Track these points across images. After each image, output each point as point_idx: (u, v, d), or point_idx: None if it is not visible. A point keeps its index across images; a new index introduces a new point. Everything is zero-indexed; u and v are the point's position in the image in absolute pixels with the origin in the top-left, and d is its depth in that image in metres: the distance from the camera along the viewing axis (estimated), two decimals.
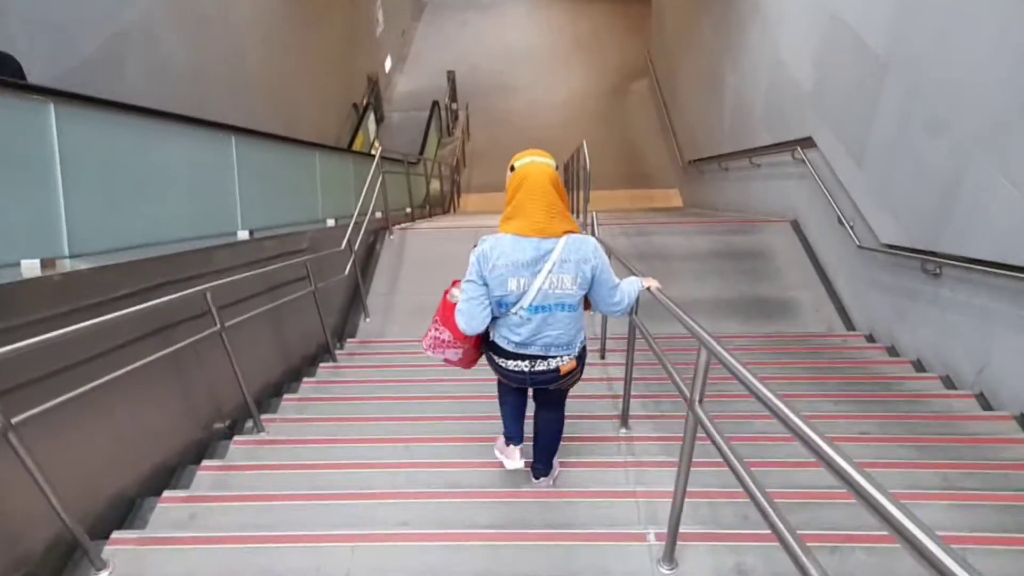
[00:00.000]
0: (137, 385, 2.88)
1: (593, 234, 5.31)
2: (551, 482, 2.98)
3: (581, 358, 2.56)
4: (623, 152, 14.85)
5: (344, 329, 5.95)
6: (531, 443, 2.97)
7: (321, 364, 4.85)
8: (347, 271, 5.52)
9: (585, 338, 2.57)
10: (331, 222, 5.95)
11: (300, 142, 5.77)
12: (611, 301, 2.46)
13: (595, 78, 18.40)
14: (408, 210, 8.88)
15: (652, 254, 6.54)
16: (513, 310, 2.38)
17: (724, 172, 9.35)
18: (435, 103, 15.33)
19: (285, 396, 4.22)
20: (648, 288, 2.65)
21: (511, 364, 2.50)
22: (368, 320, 6.02)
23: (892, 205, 4.84)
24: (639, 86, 17.64)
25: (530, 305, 2.35)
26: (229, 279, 3.46)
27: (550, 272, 2.31)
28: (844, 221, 5.54)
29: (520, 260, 2.30)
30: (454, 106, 16.97)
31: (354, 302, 6.20)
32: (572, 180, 8.22)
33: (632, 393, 3.46)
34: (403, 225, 7.75)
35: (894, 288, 4.96)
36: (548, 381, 2.54)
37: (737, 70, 8.77)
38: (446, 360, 2.68)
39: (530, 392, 2.83)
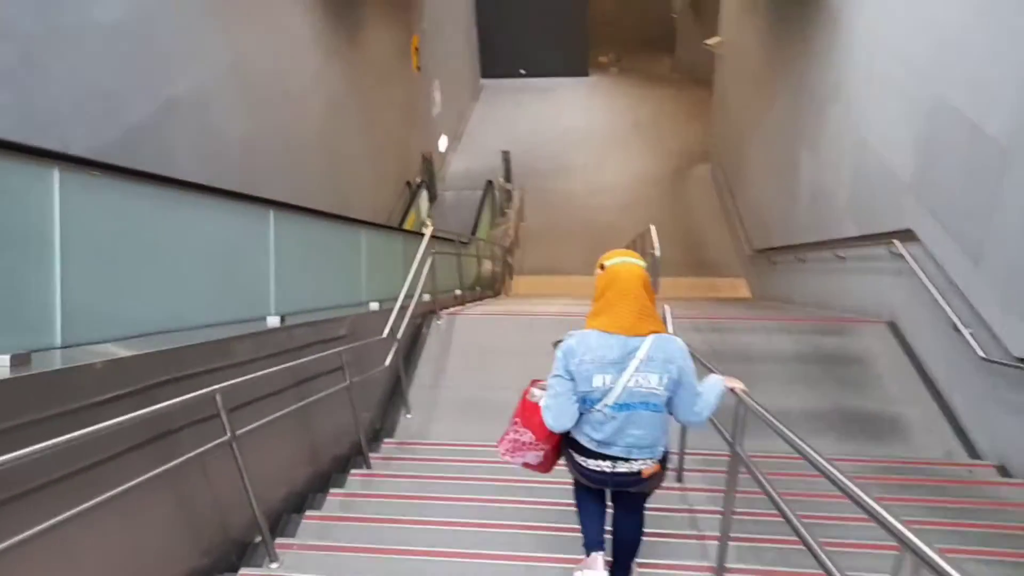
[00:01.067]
0: (122, 507, 2.32)
1: (667, 328, 4.71)
2: None
3: (663, 462, 2.49)
4: (684, 238, 14.25)
5: (382, 425, 5.34)
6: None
7: (352, 471, 4.21)
8: (388, 362, 4.95)
9: (668, 443, 2.50)
10: (374, 305, 5.44)
11: (345, 219, 5.38)
12: (693, 409, 2.40)
13: (654, 162, 18.07)
14: (458, 292, 8.40)
15: (730, 354, 5.80)
16: (597, 407, 2.34)
17: (801, 263, 8.63)
18: (489, 183, 15.13)
19: (307, 513, 3.59)
20: (733, 391, 2.53)
21: (592, 464, 2.44)
22: (409, 416, 5.40)
23: None
24: (700, 171, 17.21)
25: (615, 403, 2.31)
26: (244, 378, 2.92)
27: (636, 370, 2.29)
28: (961, 328, 4.77)
29: (607, 357, 2.30)
30: (508, 186, 16.79)
31: (394, 394, 5.61)
32: None
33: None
34: (452, 309, 7.23)
35: None
36: (629, 484, 2.48)
37: (816, 155, 8.20)
38: (525, 464, 2.63)
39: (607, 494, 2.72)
